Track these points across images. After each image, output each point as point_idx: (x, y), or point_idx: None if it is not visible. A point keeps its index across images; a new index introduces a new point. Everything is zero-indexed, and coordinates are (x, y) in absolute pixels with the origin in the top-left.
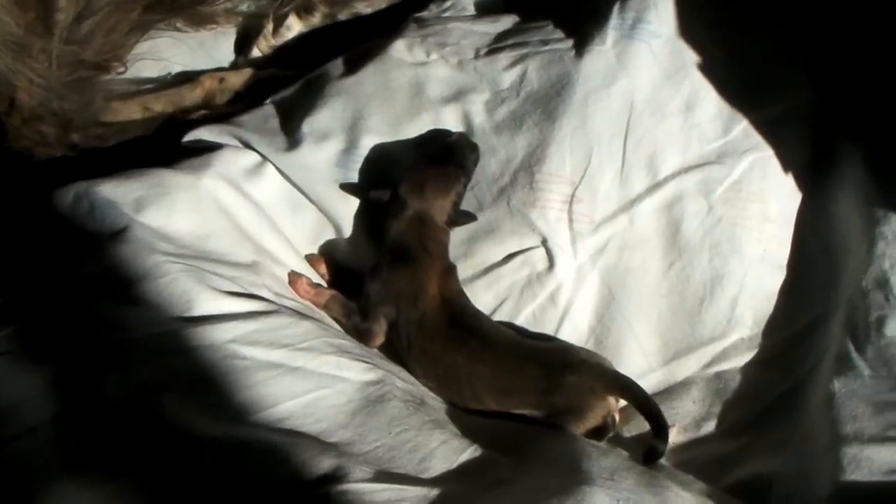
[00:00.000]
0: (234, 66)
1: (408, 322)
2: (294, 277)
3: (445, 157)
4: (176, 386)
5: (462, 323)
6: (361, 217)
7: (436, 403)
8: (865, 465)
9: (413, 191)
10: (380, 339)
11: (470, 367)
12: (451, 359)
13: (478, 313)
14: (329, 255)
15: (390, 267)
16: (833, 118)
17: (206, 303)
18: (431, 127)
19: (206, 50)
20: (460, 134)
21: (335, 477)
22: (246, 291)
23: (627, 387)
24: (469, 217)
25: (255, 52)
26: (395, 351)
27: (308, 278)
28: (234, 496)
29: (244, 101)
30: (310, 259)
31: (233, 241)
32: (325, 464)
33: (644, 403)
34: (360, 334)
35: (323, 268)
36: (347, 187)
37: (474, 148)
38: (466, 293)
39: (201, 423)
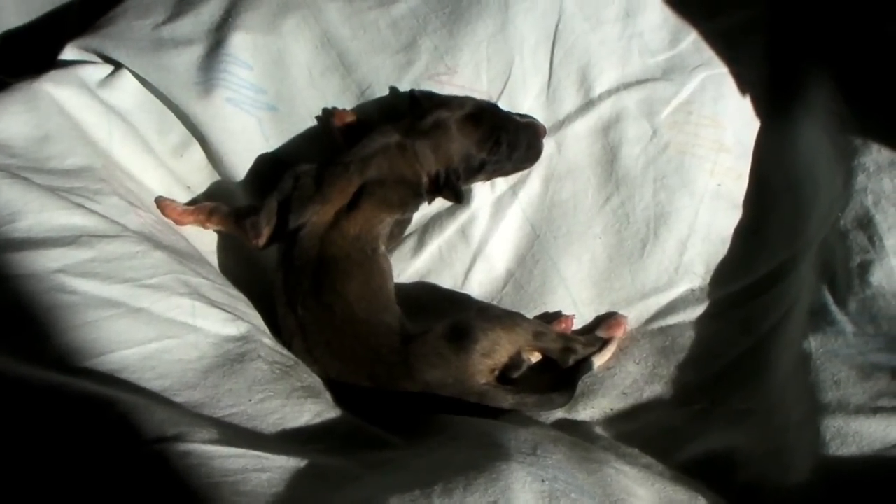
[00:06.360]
0: None
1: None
2: (163, 203)
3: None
4: None
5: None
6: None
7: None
8: (853, 441)
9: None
10: (262, 239)
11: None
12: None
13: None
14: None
15: (322, 166)
16: (796, 35)
17: (33, 216)
18: (310, 26)
19: None
20: (536, 124)
21: (175, 435)
22: (85, 206)
23: None
24: (457, 196)
25: None
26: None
27: (177, 202)
28: (40, 452)
29: None
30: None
31: (74, 144)
32: (161, 419)
33: None
34: (246, 229)
35: (177, 211)
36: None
37: (530, 144)
38: None
39: (6, 364)
